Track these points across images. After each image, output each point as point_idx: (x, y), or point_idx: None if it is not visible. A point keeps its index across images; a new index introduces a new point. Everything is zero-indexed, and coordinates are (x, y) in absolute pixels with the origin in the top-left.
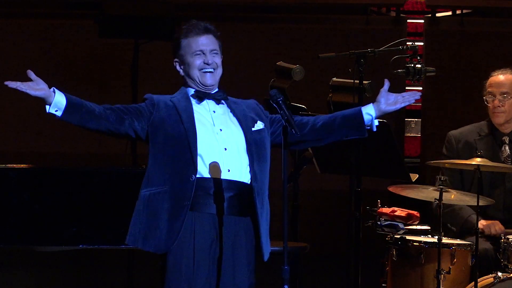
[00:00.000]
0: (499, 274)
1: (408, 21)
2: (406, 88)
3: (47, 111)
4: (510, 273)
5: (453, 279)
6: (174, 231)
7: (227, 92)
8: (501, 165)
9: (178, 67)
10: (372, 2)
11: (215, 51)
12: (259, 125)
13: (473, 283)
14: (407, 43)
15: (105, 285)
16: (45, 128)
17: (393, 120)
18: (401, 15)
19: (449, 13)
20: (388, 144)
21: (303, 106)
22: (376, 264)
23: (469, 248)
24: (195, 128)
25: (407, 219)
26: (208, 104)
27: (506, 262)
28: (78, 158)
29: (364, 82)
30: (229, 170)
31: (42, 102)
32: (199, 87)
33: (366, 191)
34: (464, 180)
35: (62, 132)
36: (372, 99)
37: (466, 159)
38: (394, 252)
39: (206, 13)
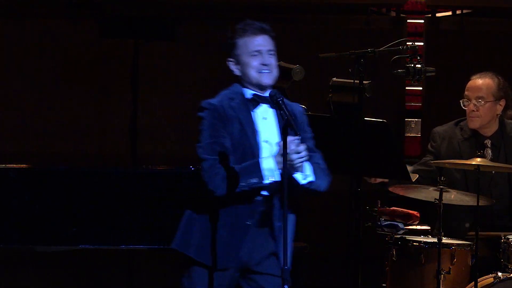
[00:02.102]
0: (499, 274)
1: (408, 21)
2: (406, 88)
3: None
4: (510, 273)
5: (453, 279)
6: (235, 251)
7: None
8: (501, 165)
9: (232, 67)
10: (372, 2)
11: (271, 52)
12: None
13: (473, 283)
14: (407, 43)
15: (105, 285)
16: (45, 128)
17: (393, 120)
18: (401, 15)
19: (449, 13)
20: (388, 144)
21: (303, 106)
22: (376, 264)
23: (469, 248)
24: (260, 146)
25: (407, 219)
26: (261, 109)
27: (506, 262)
28: (78, 158)
29: (364, 82)
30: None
31: None
32: (255, 88)
33: (366, 191)
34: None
35: (62, 132)
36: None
37: (448, 158)
38: (394, 252)
39: (206, 13)
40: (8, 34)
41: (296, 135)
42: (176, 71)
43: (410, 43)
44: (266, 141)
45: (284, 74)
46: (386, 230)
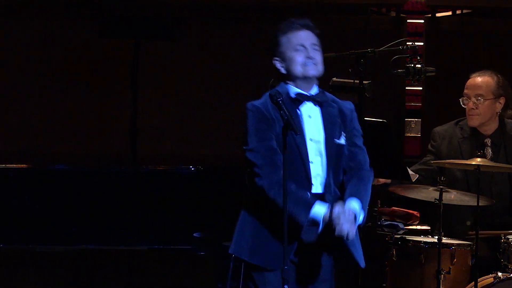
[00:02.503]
0: (499, 274)
1: (408, 21)
2: (406, 88)
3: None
4: (510, 273)
5: (453, 279)
6: (287, 250)
7: (226, 92)
8: (501, 165)
9: (278, 65)
10: (372, 2)
11: (316, 46)
12: (342, 140)
13: (473, 283)
14: (407, 43)
15: (105, 285)
16: (45, 128)
17: (393, 120)
18: (401, 15)
19: (449, 13)
20: (388, 144)
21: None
22: (376, 264)
23: (469, 248)
24: (306, 145)
25: (407, 219)
26: (307, 107)
27: (506, 262)
28: (78, 158)
29: (364, 82)
30: (313, 184)
31: None
32: (301, 83)
33: None
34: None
35: (62, 132)
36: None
37: (449, 158)
38: (394, 252)
39: (206, 13)
40: (8, 34)
41: (296, 135)
42: (176, 71)
43: (410, 43)
44: (311, 139)
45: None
46: (386, 230)
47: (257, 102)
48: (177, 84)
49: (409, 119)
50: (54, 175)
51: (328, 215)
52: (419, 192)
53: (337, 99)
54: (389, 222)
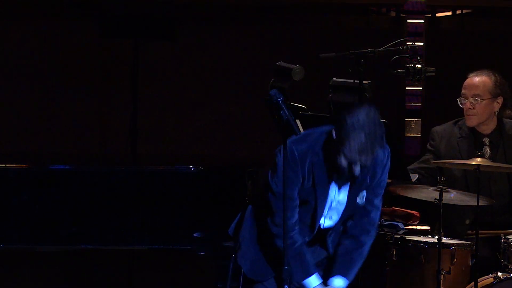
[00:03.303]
0: (499, 274)
1: (408, 21)
2: (406, 88)
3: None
4: (510, 273)
5: (453, 279)
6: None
7: (226, 92)
8: (501, 165)
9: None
10: (372, 2)
11: None
12: (362, 197)
13: (473, 283)
14: (407, 43)
15: (105, 285)
16: (45, 128)
17: (393, 120)
18: (401, 15)
19: (449, 13)
20: (388, 144)
21: (303, 106)
22: (376, 264)
23: (469, 248)
24: (324, 209)
25: (407, 219)
26: None
27: (506, 262)
28: (78, 158)
29: (364, 82)
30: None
31: None
32: None
33: None
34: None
35: (61, 132)
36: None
37: (447, 157)
38: (394, 252)
39: (206, 14)
40: (8, 34)
41: (297, 135)
42: (176, 71)
43: (410, 43)
44: (338, 201)
45: (284, 74)
46: (386, 230)
47: (298, 147)
48: (177, 84)
49: (409, 119)
50: (54, 175)
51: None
52: (419, 192)
53: (376, 151)
54: (389, 222)
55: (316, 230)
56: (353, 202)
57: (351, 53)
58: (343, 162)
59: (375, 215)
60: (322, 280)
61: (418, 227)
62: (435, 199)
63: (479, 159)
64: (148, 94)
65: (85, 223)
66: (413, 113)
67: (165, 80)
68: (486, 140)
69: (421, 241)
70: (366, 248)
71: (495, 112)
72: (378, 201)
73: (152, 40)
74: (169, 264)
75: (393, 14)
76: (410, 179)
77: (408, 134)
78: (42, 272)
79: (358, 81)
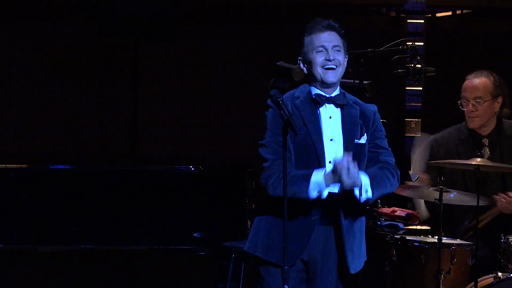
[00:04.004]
0: (499, 274)
1: (408, 21)
2: (406, 88)
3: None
4: (510, 273)
5: (453, 279)
6: (301, 246)
7: (226, 92)
8: (501, 165)
9: (301, 66)
10: (372, 2)
11: (337, 48)
12: (362, 140)
13: (473, 283)
14: (407, 43)
15: (105, 285)
16: (45, 128)
17: (393, 120)
18: (401, 15)
19: (449, 13)
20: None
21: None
22: (376, 264)
23: (469, 248)
24: (323, 144)
25: (407, 219)
26: (327, 108)
27: (506, 262)
28: (78, 158)
29: (364, 82)
30: (329, 185)
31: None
32: (321, 86)
33: None
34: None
35: (61, 132)
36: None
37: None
38: (394, 252)
39: (206, 13)
40: (8, 34)
41: (296, 135)
42: (176, 71)
43: (410, 43)
44: (332, 140)
45: (284, 74)
46: (386, 230)
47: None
48: (177, 84)
49: (409, 119)
50: (54, 175)
51: (329, 173)
52: (419, 192)
53: (360, 101)
54: (389, 222)
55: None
56: (352, 141)
57: (351, 53)
58: (317, 73)
59: (388, 157)
60: (329, 171)
61: (418, 227)
62: (435, 199)
63: (479, 159)
64: (148, 94)
65: (85, 223)
66: (413, 113)
67: (165, 80)
68: (486, 141)
69: (421, 241)
70: (390, 176)
71: (495, 112)
72: (384, 143)
73: (152, 40)
74: (169, 264)
75: (393, 14)
76: (410, 179)
77: (408, 134)
78: (42, 272)
79: (358, 81)
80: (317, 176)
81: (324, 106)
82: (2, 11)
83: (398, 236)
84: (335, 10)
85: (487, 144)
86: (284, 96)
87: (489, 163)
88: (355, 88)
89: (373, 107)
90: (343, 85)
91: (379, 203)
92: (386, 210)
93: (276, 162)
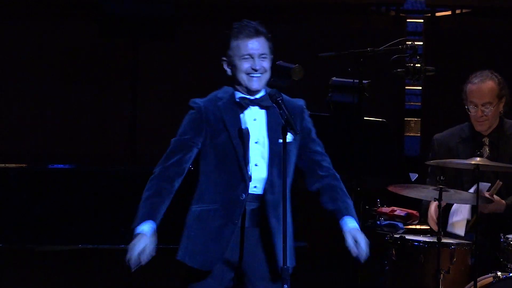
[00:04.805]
0: (499, 273)
1: (407, 20)
2: (406, 87)
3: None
4: (510, 273)
5: (453, 279)
6: (221, 249)
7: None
8: (501, 165)
9: (225, 67)
10: (372, 2)
11: (264, 55)
12: (288, 137)
13: (472, 282)
14: (407, 42)
15: (105, 285)
16: (45, 128)
17: (393, 120)
18: (401, 14)
19: (449, 13)
20: (388, 144)
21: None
22: (376, 264)
23: (468, 247)
24: (245, 148)
25: (407, 219)
26: (251, 110)
27: (506, 262)
28: (78, 158)
29: (364, 81)
30: (255, 187)
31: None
32: (244, 91)
33: (366, 191)
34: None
35: (62, 132)
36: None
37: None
38: (393, 252)
39: (206, 13)
40: (8, 34)
41: (296, 135)
42: (176, 71)
43: (410, 43)
44: (257, 142)
45: (283, 73)
46: (386, 230)
47: (200, 100)
48: (176, 84)
49: (409, 119)
50: (54, 175)
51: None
52: (419, 192)
53: (288, 98)
54: (389, 222)
55: (248, 182)
56: (276, 141)
57: (351, 52)
58: (242, 79)
59: (327, 162)
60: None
61: (418, 227)
62: (434, 198)
63: (478, 159)
64: (148, 94)
65: (85, 223)
66: (413, 113)
67: (164, 80)
68: (486, 140)
69: (421, 240)
70: (344, 188)
71: (500, 112)
72: (318, 147)
73: (152, 40)
74: (169, 264)
75: (392, 13)
76: (410, 179)
77: (408, 134)
78: (42, 272)
79: (357, 81)
80: (143, 228)
81: (249, 108)
82: (2, 11)
83: (398, 236)
84: (335, 9)
85: (487, 143)
86: (208, 97)
87: (488, 162)
88: (355, 88)
89: (300, 102)
90: (342, 85)
91: (379, 203)
92: (386, 209)
93: (164, 160)
